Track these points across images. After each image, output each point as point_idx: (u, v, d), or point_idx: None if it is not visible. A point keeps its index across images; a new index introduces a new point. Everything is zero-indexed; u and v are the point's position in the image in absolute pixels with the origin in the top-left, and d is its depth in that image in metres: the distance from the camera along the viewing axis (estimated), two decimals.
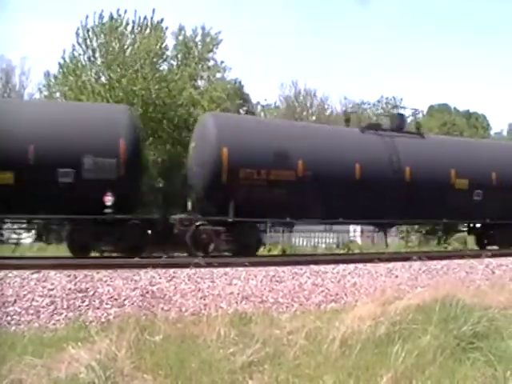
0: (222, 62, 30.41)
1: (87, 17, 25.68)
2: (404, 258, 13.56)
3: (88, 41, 25.57)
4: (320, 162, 15.13)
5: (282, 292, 9.97)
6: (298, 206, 14.80)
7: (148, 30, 26.20)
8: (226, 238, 14.46)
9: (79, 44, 25.64)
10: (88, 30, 25.56)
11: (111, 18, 25.66)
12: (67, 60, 25.72)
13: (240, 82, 47.58)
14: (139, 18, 26.31)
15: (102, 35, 25.51)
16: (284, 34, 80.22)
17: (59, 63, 25.95)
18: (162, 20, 26.77)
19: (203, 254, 14.01)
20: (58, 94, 26.78)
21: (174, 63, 28.13)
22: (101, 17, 25.74)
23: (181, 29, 29.61)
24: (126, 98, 23.67)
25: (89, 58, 25.81)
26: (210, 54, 29.54)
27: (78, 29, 25.52)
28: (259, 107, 50.36)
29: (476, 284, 10.82)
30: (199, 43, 29.34)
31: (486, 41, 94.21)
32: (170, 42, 28.34)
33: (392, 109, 49.41)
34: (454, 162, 17.27)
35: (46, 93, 28.63)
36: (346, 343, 6.29)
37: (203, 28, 29.65)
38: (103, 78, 25.31)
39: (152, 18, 26.51)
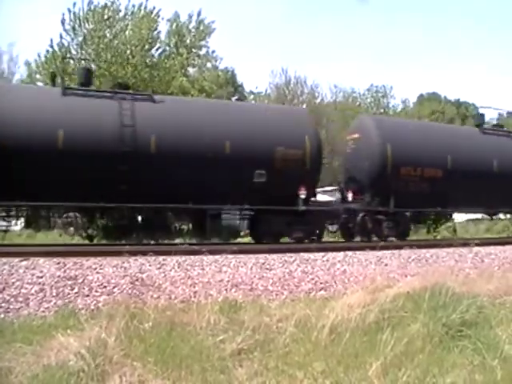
0: (214, 52, 30.31)
1: (74, 4, 25.42)
2: (394, 246, 13.69)
3: (77, 26, 25.29)
4: (464, 159, 17.34)
5: (272, 280, 9.97)
6: (450, 199, 17.07)
7: (140, 17, 25.99)
8: (387, 226, 16.24)
9: (66, 31, 25.37)
10: (78, 18, 25.26)
11: (103, 5, 25.41)
12: (55, 48, 25.44)
13: (233, 71, 47.44)
14: (132, 5, 26.16)
15: (91, 22, 25.24)
16: (275, 21, 79.93)
17: (47, 50, 25.69)
18: (154, 8, 26.59)
19: (366, 240, 16.20)
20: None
21: (167, 48, 27.95)
22: (90, 3, 25.48)
23: (176, 16, 29.39)
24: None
25: (78, 45, 25.55)
26: (203, 43, 29.40)
27: (64, 14, 25.26)
28: (251, 96, 50.17)
29: (465, 272, 10.87)
30: (192, 30, 29.14)
31: (477, 30, 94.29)
32: (163, 28, 28.18)
33: (382, 97, 49.55)
34: None
35: (27, 80, 28.43)
36: (335, 331, 6.31)
37: (199, 14, 29.41)
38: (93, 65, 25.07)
39: (144, 4, 26.33)
